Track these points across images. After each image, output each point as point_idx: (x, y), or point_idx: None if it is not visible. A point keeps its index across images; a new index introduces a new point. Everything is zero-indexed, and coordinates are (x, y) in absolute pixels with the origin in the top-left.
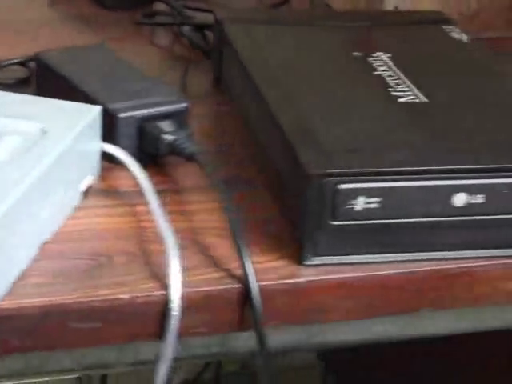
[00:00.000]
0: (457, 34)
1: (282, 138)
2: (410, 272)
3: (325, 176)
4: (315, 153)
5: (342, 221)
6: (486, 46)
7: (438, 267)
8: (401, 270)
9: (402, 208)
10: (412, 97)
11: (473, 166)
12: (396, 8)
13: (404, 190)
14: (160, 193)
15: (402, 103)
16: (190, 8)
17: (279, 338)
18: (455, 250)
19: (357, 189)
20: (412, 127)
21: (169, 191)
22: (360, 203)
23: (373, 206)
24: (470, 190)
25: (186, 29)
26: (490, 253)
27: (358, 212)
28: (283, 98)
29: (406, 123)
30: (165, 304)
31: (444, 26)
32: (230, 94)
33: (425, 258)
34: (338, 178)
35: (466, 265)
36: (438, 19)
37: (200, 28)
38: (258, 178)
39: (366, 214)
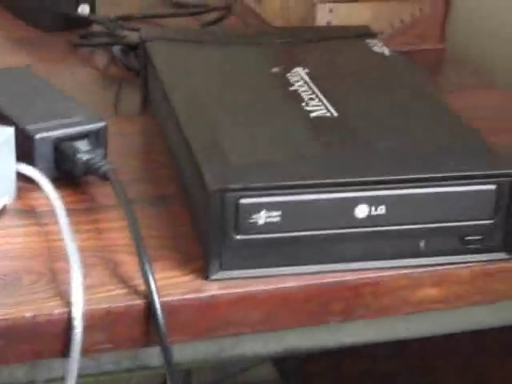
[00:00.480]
0: (379, 47)
1: (190, 153)
2: (314, 284)
3: (226, 191)
4: (219, 168)
5: (245, 235)
6: (406, 59)
7: (343, 279)
8: (305, 283)
9: (304, 221)
10: (323, 111)
11: (373, 178)
12: (328, 23)
13: (304, 203)
14: (75, 212)
15: (312, 118)
16: (125, 28)
17: (192, 351)
18: (359, 261)
19: (258, 203)
20: (317, 141)
21: (84, 210)
22: (262, 217)
23: (275, 219)
24: (372, 201)
25: (115, 49)
26: (394, 263)
27: (261, 226)
28: (195, 115)
29: (312, 137)
30: (68, 322)
31: (368, 40)
32: (155, 113)
33: (329, 269)
34: (240, 192)
35: (370, 275)
36: (362, 33)
37: (132, 48)
38: (174, 195)
39: (269, 227)
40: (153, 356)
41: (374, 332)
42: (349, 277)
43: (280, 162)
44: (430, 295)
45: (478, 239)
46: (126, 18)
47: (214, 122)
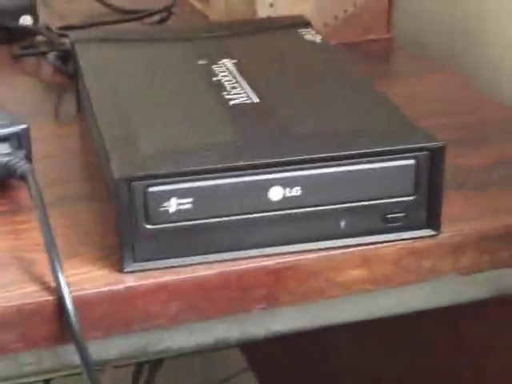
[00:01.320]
0: (311, 36)
1: (104, 146)
2: (231, 271)
3: (133, 179)
4: (128, 157)
5: (156, 224)
6: (334, 46)
7: (262, 264)
8: (221, 270)
9: (216, 207)
10: (244, 99)
11: (285, 159)
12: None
13: (215, 189)
14: None
15: (231, 105)
16: (64, 36)
17: (115, 347)
18: (278, 246)
19: (168, 190)
20: (232, 127)
21: (3, 212)
22: (173, 205)
23: (186, 206)
24: (285, 182)
25: (51, 55)
26: (315, 245)
27: (172, 214)
28: (112, 109)
29: (227, 124)
30: None
31: (300, 30)
32: (85, 114)
33: (246, 255)
34: (148, 180)
35: (290, 259)
36: (296, 23)
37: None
38: (98, 193)
39: (180, 215)
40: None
41: (304, 319)
42: (268, 262)
43: (191, 148)
44: (355, 277)
45: (400, 217)
46: (69, 28)
47: (129, 114)
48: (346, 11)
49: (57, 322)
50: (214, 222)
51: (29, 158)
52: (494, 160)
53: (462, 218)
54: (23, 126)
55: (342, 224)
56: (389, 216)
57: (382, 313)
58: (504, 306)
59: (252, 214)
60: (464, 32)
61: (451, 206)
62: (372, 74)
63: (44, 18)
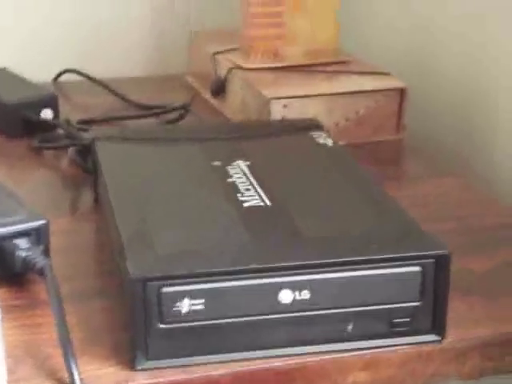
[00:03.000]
0: (323, 139)
1: (120, 244)
2: (242, 371)
3: (148, 279)
4: (143, 257)
5: (169, 324)
6: (347, 150)
7: (269, 365)
8: (233, 370)
9: (228, 308)
10: (257, 201)
11: (294, 263)
12: (283, 118)
13: (227, 290)
14: (11, 308)
15: (245, 207)
16: (83, 130)
17: None
18: (286, 347)
19: (181, 291)
20: (245, 230)
21: (20, 306)
22: (185, 305)
23: (198, 307)
24: (295, 286)
25: (71, 150)
26: (322, 348)
27: (185, 314)
28: (129, 208)
29: (240, 226)
30: None
31: (313, 133)
32: (102, 211)
33: (256, 356)
34: (162, 281)
35: (298, 361)
36: (309, 126)
37: (87, 148)
38: (113, 289)
39: (193, 315)
40: None
41: None
42: (277, 363)
43: (205, 250)
44: (361, 379)
45: (406, 322)
46: (89, 122)
47: (146, 213)
48: (357, 113)
49: None
50: (225, 323)
51: (47, 252)
52: (501, 265)
53: (466, 323)
54: (43, 222)
55: (350, 327)
56: (394, 321)
57: None
58: None
59: (262, 315)
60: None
61: (456, 311)
62: (381, 176)
63: (64, 111)
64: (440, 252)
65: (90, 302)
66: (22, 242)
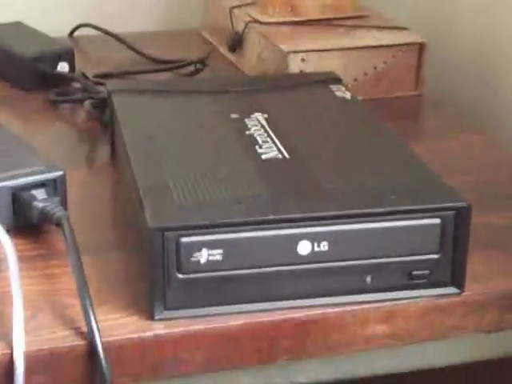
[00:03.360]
0: (342, 92)
1: (138, 195)
2: (259, 322)
3: (166, 229)
4: (161, 207)
5: (187, 274)
6: (366, 103)
7: (288, 316)
8: (250, 320)
9: (246, 258)
10: (275, 153)
11: (313, 214)
12: (301, 72)
13: (245, 241)
14: (29, 258)
15: (263, 160)
16: (101, 84)
17: None
18: (305, 298)
19: (199, 241)
20: (263, 181)
21: (38, 256)
22: (204, 255)
23: (216, 257)
24: (314, 237)
25: (87, 104)
26: (341, 299)
27: (203, 264)
28: (147, 160)
29: (259, 178)
30: (10, 363)
31: (331, 86)
32: (120, 162)
33: (274, 307)
34: (180, 231)
35: (317, 312)
36: (327, 79)
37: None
38: (130, 240)
39: (211, 266)
40: None
41: (328, 371)
42: (295, 314)
43: (223, 200)
44: (380, 331)
45: (425, 274)
46: (106, 76)
47: (164, 165)
48: (375, 68)
49: (87, 367)
50: (242, 274)
51: (64, 204)
52: None
53: (485, 276)
54: (60, 173)
55: (368, 279)
56: (414, 273)
57: (405, 367)
58: None
59: (280, 266)
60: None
61: (475, 264)
62: (399, 131)
63: (80, 65)
64: (460, 204)
65: (106, 254)
66: (39, 193)
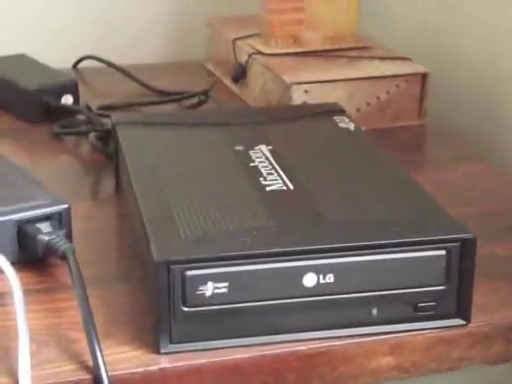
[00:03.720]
0: (345, 123)
1: (144, 229)
2: (265, 355)
3: (172, 263)
4: (167, 240)
5: (193, 307)
6: (368, 134)
7: (294, 349)
8: (256, 354)
9: (252, 291)
10: (280, 185)
11: (319, 246)
12: (304, 103)
13: (251, 274)
14: (34, 292)
15: (268, 191)
16: (105, 116)
17: None
18: (311, 331)
19: (205, 275)
20: (268, 214)
21: (43, 290)
22: (209, 289)
23: (222, 290)
24: (319, 270)
25: (91, 136)
26: (347, 332)
27: (209, 297)
28: (152, 192)
29: (264, 210)
30: None
31: (334, 117)
32: (124, 195)
33: (280, 340)
34: (186, 264)
35: (323, 345)
36: (331, 110)
37: (110, 135)
38: (135, 273)
39: (216, 299)
40: None
41: None
42: (301, 347)
43: (229, 233)
44: (386, 363)
45: (431, 306)
46: (110, 108)
47: (169, 197)
48: (378, 98)
49: None
50: (248, 306)
51: (69, 237)
52: None
53: (491, 307)
54: (65, 206)
55: (374, 311)
56: (419, 305)
57: None
58: None
59: (286, 299)
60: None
61: (481, 295)
62: (402, 161)
63: (84, 97)
64: (465, 236)
65: (112, 287)
66: (45, 226)
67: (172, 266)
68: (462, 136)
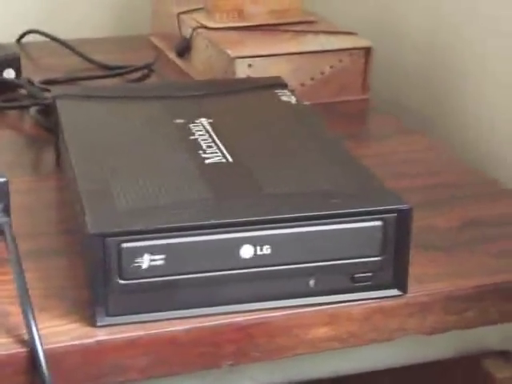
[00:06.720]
0: (287, 97)
1: (80, 201)
2: (201, 327)
3: (107, 235)
4: (103, 213)
5: (129, 279)
6: (310, 107)
7: (232, 320)
8: (192, 326)
9: (188, 263)
10: (219, 158)
11: (255, 218)
12: (247, 77)
13: (188, 246)
14: None
15: (207, 164)
16: (46, 90)
17: None
18: (248, 303)
19: (141, 247)
20: (207, 186)
21: None
22: (146, 261)
23: (158, 263)
24: (256, 241)
25: (32, 110)
26: (284, 303)
27: (145, 270)
28: (90, 166)
29: (202, 183)
30: None
31: (277, 90)
32: (64, 168)
33: (217, 312)
34: (121, 237)
35: (260, 316)
36: (273, 84)
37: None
38: (72, 247)
39: (153, 271)
40: None
41: (272, 376)
42: (238, 318)
43: (166, 206)
44: (324, 334)
45: (368, 276)
46: (52, 82)
47: (107, 170)
48: (322, 73)
49: (28, 375)
50: (185, 279)
51: (7, 210)
52: (461, 222)
53: (428, 278)
54: (2, 180)
55: (311, 282)
56: (356, 275)
57: (348, 370)
58: (469, 366)
59: (223, 271)
60: (441, 98)
61: (419, 266)
62: (345, 135)
63: (27, 71)
64: (401, 206)
65: (50, 260)
66: None
67: (107, 239)
68: (404, 110)
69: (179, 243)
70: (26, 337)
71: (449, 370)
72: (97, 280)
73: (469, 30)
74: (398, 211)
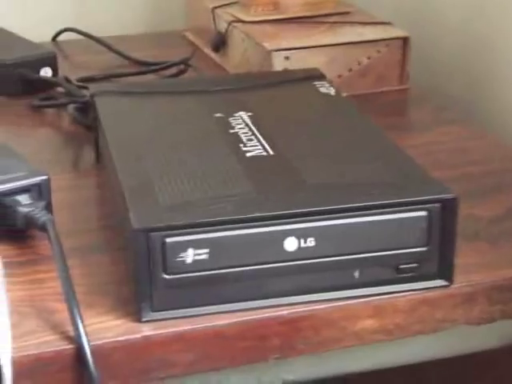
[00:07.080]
0: (325, 88)
1: (123, 196)
2: (247, 320)
3: (151, 230)
4: (146, 208)
5: (173, 274)
6: (350, 99)
7: (277, 313)
8: (237, 319)
9: (232, 257)
10: (260, 151)
11: (299, 210)
12: (284, 69)
13: (231, 239)
14: (15, 264)
15: (248, 157)
16: (83, 87)
17: None
18: (293, 295)
19: (185, 241)
20: (249, 179)
21: (23, 262)
22: (190, 255)
23: (202, 257)
24: (300, 233)
25: (70, 107)
26: (329, 295)
27: (189, 264)
28: (131, 161)
29: (244, 176)
30: None
31: (315, 82)
32: (105, 165)
33: (262, 305)
34: (165, 231)
35: (305, 309)
36: (311, 76)
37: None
38: (116, 242)
39: (197, 265)
40: None
41: (318, 368)
42: (283, 311)
43: (209, 200)
44: (369, 326)
45: (413, 267)
46: (89, 80)
47: (148, 166)
48: (359, 63)
49: (75, 371)
50: (229, 272)
51: (49, 208)
52: (505, 211)
53: (473, 268)
54: (44, 177)
55: (356, 274)
56: (402, 266)
57: (395, 362)
58: None
59: (267, 264)
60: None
61: (463, 256)
62: (385, 126)
63: (63, 69)
64: (446, 196)
65: (93, 257)
66: (24, 198)
67: (151, 234)
68: (444, 100)
69: (223, 237)
70: (72, 333)
71: (492, 359)
72: (141, 275)
73: (508, 17)
74: (443, 201)
